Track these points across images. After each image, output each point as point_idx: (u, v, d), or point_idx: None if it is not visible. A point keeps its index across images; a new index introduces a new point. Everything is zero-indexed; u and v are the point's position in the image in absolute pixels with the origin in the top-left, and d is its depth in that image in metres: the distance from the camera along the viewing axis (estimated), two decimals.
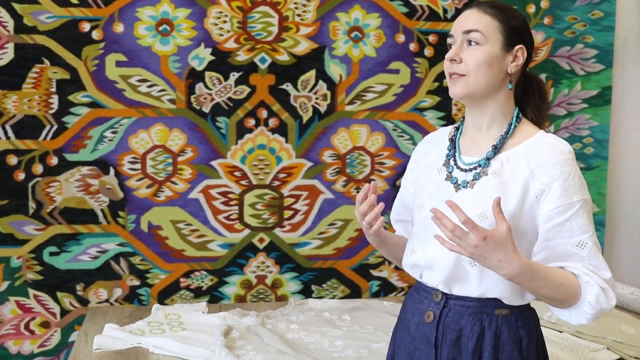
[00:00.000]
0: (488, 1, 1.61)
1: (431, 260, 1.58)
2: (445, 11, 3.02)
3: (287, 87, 2.94)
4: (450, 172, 1.62)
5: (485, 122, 1.61)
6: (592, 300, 1.49)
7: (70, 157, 2.81)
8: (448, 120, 3.05)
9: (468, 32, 1.56)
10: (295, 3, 2.91)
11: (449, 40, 1.61)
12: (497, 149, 1.57)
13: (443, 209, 1.58)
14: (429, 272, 1.60)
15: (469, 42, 1.56)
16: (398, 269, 3.05)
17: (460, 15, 1.61)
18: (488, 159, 1.57)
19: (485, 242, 1.40)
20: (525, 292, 1.55)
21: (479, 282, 1.54)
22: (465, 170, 1.59)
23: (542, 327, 1.66)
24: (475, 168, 1.58)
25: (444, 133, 1.73)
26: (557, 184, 1.50)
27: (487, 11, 1.57)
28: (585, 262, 1.50)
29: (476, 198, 1.55)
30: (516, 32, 1.58)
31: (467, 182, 1.57)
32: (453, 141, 1.67)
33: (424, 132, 3.00)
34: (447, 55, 1.58)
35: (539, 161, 1.52)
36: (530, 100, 1.64)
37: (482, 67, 1.54)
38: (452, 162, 1.63)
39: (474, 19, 1.57)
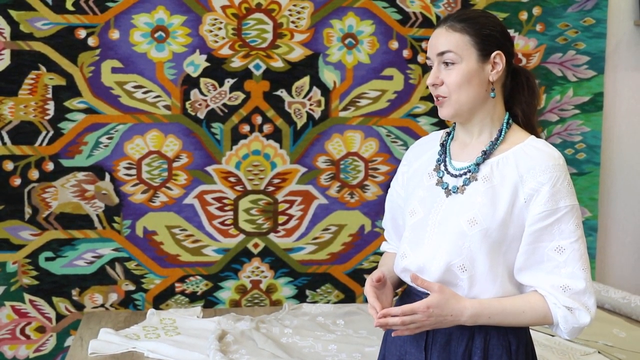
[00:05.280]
0: (457, 14, 1.60)
1: (421, 265, 1.59)
2: (438, 18, 3.04)
3: (282, 93, 2.96)
4: (441, 177, 1.63)
5: (476, 130, 1.62)
6: (561, 322, 1.52)
7: (66, 162, 2.83)
8: (441, 126, 3.07)
9: (441, 54, 1.56)
10: (289, 10, 2.94)
11: (427, 62, 1.62)
12: (486, 155, 1.59)
13: (434, 214, 1.61)
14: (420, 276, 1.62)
15: (445, 63, 1.56)
16: None
17: (432, 36, 1.60)
18: (477, 165, 1.58)
19: (430, 310, 1.49)
20: None
21: (470, 287, 1.55)
22: (456, 176, 1.61)
23: (534, 331, 1.68)
24: (465, 173, 1.59)
25: (435, 137, 1.74)
26: (546, 189, 1.51)
27: (456, 27, 1.57)
28: (562, 269, 1.51)
29: (466, 204, 1.56)
30: (489, 40, 1.57)
31: (458, 188, 1.59)
32: (444, 146, 1.68)
33: (418, 138, 2.98)
34: (428, 81, 1.59)
35: (528, 166, 1.53)
36: (520, 97, 1.63)
37: (462, 86, 1.55)
38: (442, 167, 1.64)
39: (444, 39, 1.57)
